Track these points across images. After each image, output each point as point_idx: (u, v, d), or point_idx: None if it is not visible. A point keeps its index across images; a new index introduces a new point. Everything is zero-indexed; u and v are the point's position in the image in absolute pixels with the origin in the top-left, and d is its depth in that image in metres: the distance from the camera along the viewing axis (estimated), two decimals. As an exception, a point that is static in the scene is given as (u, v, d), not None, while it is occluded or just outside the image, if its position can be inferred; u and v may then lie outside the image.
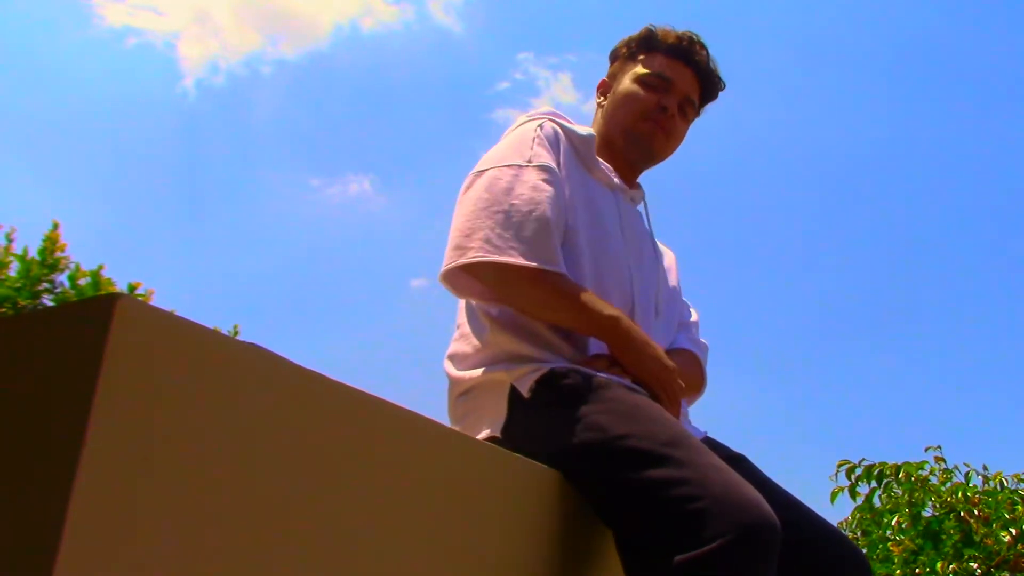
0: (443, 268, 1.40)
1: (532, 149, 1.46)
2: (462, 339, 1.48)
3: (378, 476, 0.96)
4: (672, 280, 1.72)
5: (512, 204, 1.39)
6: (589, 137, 1.57)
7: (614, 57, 1.73)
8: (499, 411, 1.34)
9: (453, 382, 1.46)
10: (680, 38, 1.66)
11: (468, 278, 1.40)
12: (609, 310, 1.38)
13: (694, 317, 1.74)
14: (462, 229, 1.39)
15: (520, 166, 1.44)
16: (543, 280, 1.35)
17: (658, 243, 1.74)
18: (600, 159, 1.59)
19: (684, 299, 1.77)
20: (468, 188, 1.46)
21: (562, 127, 1.55)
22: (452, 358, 1.48)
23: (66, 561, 0.68)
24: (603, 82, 1.73)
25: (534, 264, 1.34)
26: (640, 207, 1.70)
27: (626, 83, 1.65)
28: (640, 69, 1.65)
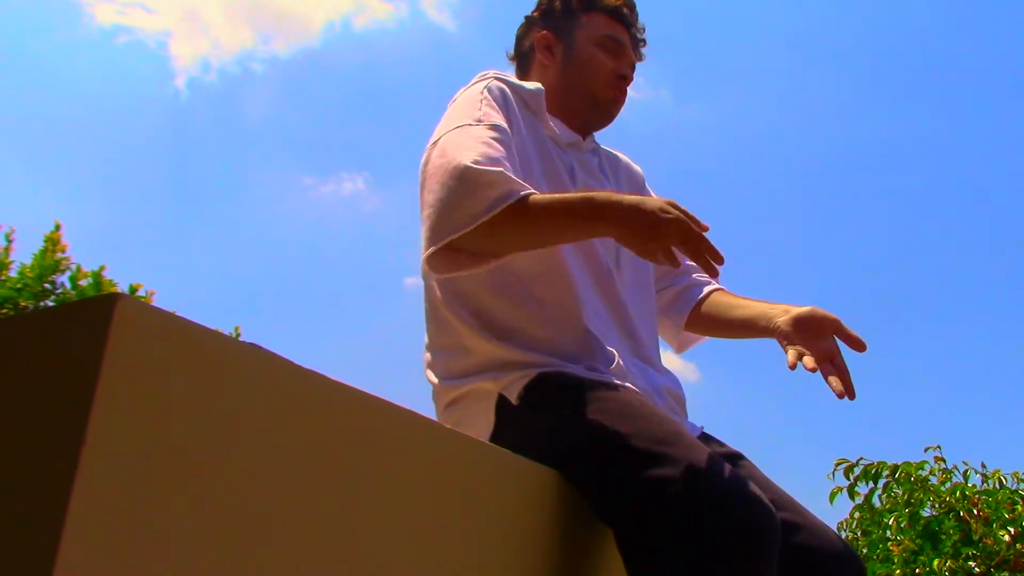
0: (426, 252, 1.32)
1: (480, 109, 1.42)
2: (440, 348, 1.43)
3: (378, 475, 0.96)
4: None
5: (469, 166, 1.31)
6: (538, 92, 1.54)
7: (548, 11, 1.67)
8: (487, 421, 1.33)
9: (437, 391, 1.43)
10: (621, 1, 1.65)
11: (453, 253, 1.33)
12: (575, 196, 1.31)
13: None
14: (430, 213, 1.33)
15: (470, 125, 1.39)
16: (513, 218, 1.28)
17: (625, 162, 1.71)
18: (550, 115, 1.56)
19: None
20: (427, 162, 1.41)
21: (509, 83, 1.52)
22: (433, 367, 1.44)
23: (66, 561, 0.68)
24: (545, 37, 1.65)
25: (489, 215, 1.26)
26: (593, 151, 1.66)
27: (585, 45, 1.62)
28: (595, 31, 1.62)
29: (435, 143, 1.41)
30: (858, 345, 1.37)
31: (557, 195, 1.32)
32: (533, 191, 1.30)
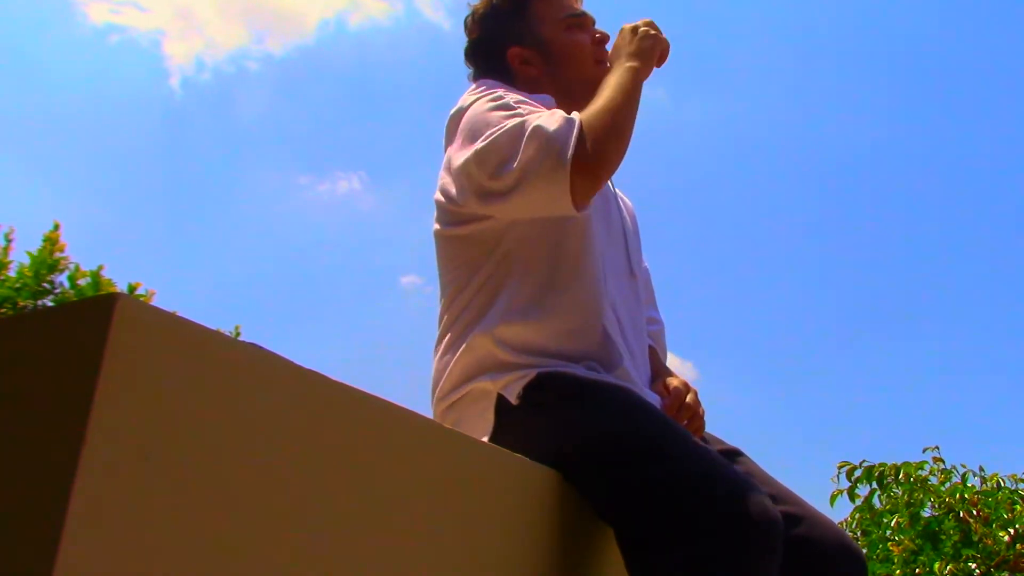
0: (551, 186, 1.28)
1: (505, 97, 1.41)
2: (443, 362, 1.43)
3: (378, 476, 0.96)
4: (637, 234, 1.69)
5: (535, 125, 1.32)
6: (546, 101, 1.50)
7: (495, 20, 1.61)
8: (486, 421, 1.33)
9: (436, 402, 1.43)
10: None
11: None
12: (612, 81, 1.44)
13: (650, 280, 1.72)
14: (522, 158, 1.30)
15: (507, 106, 1.39)
16: (586, 137, 1.30)
17: (618, 193, 1.69)
18: None
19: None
20: (456, 124, 1.43)
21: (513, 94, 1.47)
22: (436, 384, 1.44)
23: (66, 561, 0.68)
24: (516, 53, 1.59)
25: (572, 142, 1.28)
26: None
27: (555, 38, 1.58)
28: (553, 18, 1.59)
29: (462, 111, 1.43)
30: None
31: (603, 96, 1.41)
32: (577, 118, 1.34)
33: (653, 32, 1.52)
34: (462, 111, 1.45)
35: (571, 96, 1.57)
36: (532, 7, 1.59)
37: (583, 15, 1.61)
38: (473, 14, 1.64)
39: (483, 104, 1.41)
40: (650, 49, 1.49)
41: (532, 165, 1.28)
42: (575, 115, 1.32)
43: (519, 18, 1.59)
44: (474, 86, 1.52)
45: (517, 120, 1.32)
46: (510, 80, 1.60)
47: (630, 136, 1.38)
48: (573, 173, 1.27)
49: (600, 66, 1.57)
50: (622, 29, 1.54)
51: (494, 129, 1.34)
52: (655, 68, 1.51)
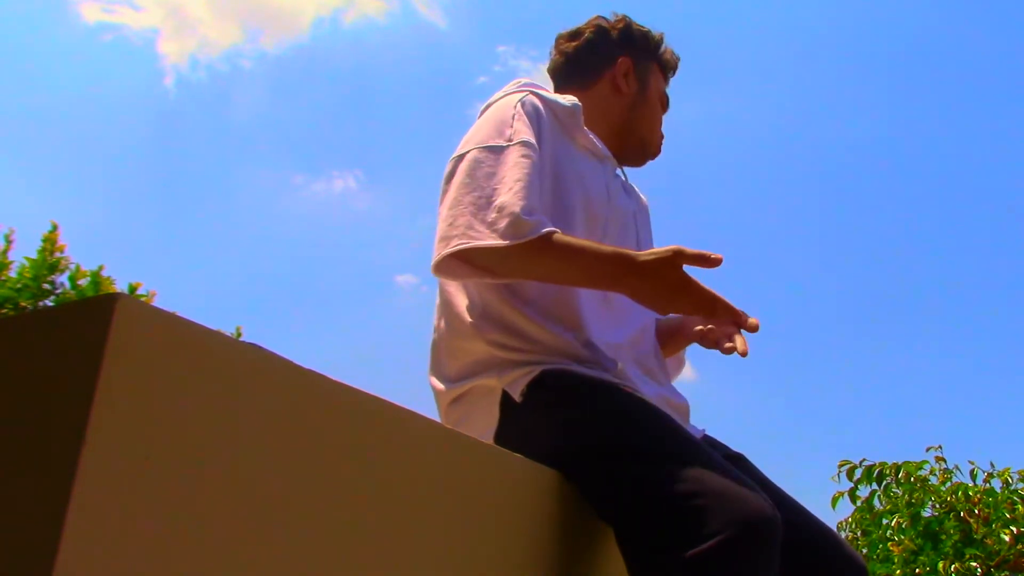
0: (432, 261, 1.35)
1: (512, 126, 1.42)
2: (445, 349, 1.44)
3: (378, 476, 0.96)
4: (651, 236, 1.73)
5: (494, 188, 1.34)
6: (574, 107, 1.52)
7: (628, 37, 1.69)
8: (491, 417, 1.33)
9: (440, 394, 1.42)
10: (677, 66, 1.75)
11: (463, 264, 1.34)
12: (611, 251, 1.32)
13: None
14: (446, 218, 1.35)
15: (501, 147, 1.39)
16: (534, 251, 1.30)
17: (637, 192, 1.72)
18: (587, 129, 1.56)
19: None
20: (451, 174, 1.41)
21: (543, 99, 1.50)
22: (437, 367, 1.45)
23: (66, 561, 0.68)
24: (626, 63, 1.66)
25: (513, 242, 1.28)
26: (619, 172, 1.69)
27: (654, 96, 1.69)
28: (659, 86, 1.71)
29: (462, 156, 1.41)
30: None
31: (585, 241, 1.34)
32: (556, 230, 1.31)
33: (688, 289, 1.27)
34: (489, 104, 1.52)
35: (622, 136, 1.66)
36: (655, 63, 1.71)
37: (666, 106, 1.74)
38: (618, 17, 1.71)
39: (479, 155, 1.40)
40: (659, 294, 1.28)
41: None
42: (545, 231, 1.30)
43: (647, 55, 1.70)
44: (511, 83, 1.56)
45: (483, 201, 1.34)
46: (590, 70, 1.67)
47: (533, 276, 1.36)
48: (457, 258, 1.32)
49: (658, 148, 1.71)
50: (690, 280, 1.28)
51: (466, 196, 1.35)
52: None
